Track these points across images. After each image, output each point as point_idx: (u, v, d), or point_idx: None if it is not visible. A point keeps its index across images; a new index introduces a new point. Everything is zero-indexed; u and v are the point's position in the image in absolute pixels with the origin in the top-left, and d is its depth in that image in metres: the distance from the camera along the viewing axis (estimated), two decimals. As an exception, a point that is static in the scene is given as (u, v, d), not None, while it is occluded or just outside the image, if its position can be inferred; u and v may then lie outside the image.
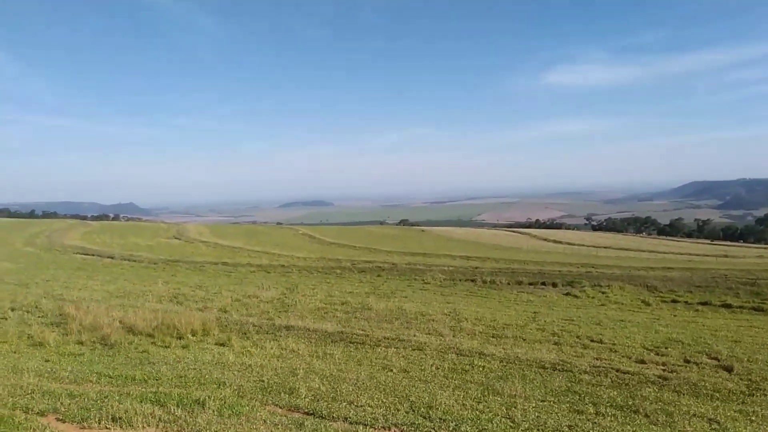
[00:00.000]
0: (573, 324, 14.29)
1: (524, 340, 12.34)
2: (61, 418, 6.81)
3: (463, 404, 7.67)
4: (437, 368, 9.80)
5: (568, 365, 9.95)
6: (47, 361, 10.24)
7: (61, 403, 7.24)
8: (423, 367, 9.84)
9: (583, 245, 59.29)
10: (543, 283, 23.26)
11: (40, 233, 53.57)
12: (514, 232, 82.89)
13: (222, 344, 11.71)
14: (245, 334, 12.71)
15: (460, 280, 24.50)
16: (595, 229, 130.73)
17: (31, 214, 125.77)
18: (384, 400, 7.73)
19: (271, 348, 11.39)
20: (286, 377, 8.89)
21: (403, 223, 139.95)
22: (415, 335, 12.54)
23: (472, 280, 24.24)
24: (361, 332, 12.81)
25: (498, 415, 7.27)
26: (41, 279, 23.21)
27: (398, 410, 7.35)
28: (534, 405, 7.75)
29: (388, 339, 12.06)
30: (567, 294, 21.06)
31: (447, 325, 13.87)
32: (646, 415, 7.53)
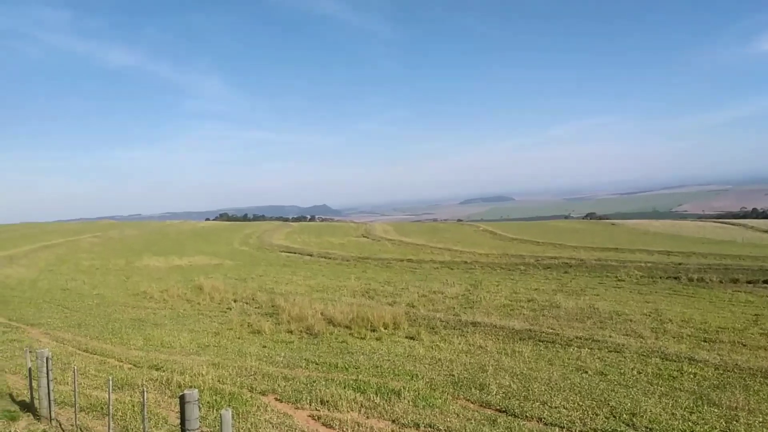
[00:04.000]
0: (809, 330, 12.16)
1: (744, 345, 10.86)
2: (278, 398, 7.72)
3: (673, 413, 6.99)
4: (639, 373, 9.08)
5: (806, 378, 8.51)
6: (264, 347, 11.67)
7: (278, 385, 8.21)
8: (622, 371, 9.18)
9: (818, 237, 49.80)
10: (766, 282, 20.10)
11: (252, 234, 61.04)
12: (725, 223, 72.71)
13: (412, 338, 12.23)
14: (433, 328, 13.09)
15: (660, 278, 22.31)
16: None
17: (245, 218, 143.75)
18: (580, 403, 7.37)
19: (459, 343, 11.57)
20: (476, 373, 8.96)
21: (590, 216, 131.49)
22: (610, 336, 11.77)
23: (675, 278, 21.91)
24: (551, 331, 12.38)
25: (716, 429, 6.51)
26: (255, 274, 26.48)
27: (597, 415, 6.95)
28: (761, 420, 6.78)
29: (580, 339, 11.49)
30: (799, 294, 17.95)
31: (647, 326, 12.76)
32: None
